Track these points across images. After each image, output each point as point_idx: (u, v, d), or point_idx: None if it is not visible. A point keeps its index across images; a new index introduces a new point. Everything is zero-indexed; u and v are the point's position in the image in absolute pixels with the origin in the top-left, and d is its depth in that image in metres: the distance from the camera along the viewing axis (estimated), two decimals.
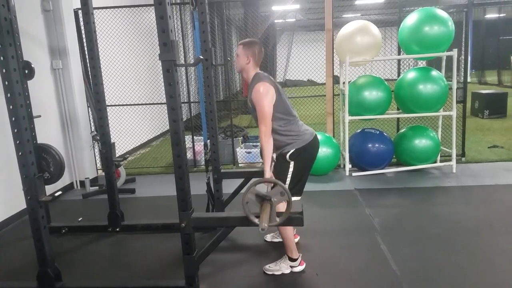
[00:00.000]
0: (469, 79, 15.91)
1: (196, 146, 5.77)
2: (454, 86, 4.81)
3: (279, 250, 3.04)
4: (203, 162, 5.47)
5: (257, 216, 2.22)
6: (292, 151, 2.67)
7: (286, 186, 2.65)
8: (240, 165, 5.82)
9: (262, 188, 2.26)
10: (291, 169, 2.68)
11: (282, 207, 2.60)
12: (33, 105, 3.05)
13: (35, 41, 4.63)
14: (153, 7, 2.06)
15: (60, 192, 4.73)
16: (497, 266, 2.78)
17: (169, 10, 2.06)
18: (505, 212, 3.71)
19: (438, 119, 5.22)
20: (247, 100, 2.82)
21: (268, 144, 2.61)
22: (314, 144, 2.77)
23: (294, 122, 2.75)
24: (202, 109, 3.60)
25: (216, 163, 3.51)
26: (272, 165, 2.80)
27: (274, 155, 2.84)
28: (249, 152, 5.73)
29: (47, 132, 4.67)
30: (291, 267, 2.81)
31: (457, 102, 5.00)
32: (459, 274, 2.69)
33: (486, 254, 2.94)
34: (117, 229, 3.66)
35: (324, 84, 5.47)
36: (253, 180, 2.29)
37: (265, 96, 2.60)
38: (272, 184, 2.31)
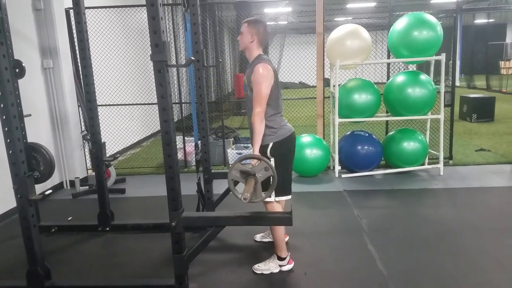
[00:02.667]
0: (458, 84, 16.11)
1: (187, 146, 5.78)
2: (442, 90, 4.89)
3: (268, 250, 3.07)
4: (194, 163, 5.48)
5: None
6: (271, 144, 2.69)
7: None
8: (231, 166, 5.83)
9: (248, 165, 2.29)
10: (272, 164, 2.69)
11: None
12: (24, 104, 3.04)
13: (26, 40, 4.61)
14: (145, 7, 2.08)
15: (50, 191, 4.71)
16: (481, 267, 2.84)
17: (161, 11, 2.09)
18: (490, 214, 3.78)
19: (426, 122, 5.30)
20: (244, 79, 2.81)
21: (261, 125, 2.60)
22: (291, 139, 2.79)
23: (279, 115, 2.77)
24: (193, 110, 3.62)
25: (207, 164, 3.53)
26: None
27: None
28: (240, 153, 5.75)
29: (38, 131, 4.65)
30: (280, 266, 2.85)
31: (445, 105, 5.09)
32: (445, 274, 2.75)
33: (471, 255, 3.00)
34: (107, 229, 3.66)
35: (315, 86, 5.52)
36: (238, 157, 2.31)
37: (264, 78, 2.60)
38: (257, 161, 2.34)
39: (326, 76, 5.54)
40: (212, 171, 3.61)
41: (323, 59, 5.38)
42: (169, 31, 7.08)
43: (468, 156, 5.84)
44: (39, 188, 4.13)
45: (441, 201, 4.22)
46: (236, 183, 2.32)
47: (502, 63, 19.64)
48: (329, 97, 5.56)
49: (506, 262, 2.87)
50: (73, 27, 4.21)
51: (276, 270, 2.84)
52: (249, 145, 5.77)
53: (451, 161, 5.52)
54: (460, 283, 2.63)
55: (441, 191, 4.51)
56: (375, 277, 2.74)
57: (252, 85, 2.65)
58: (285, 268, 2.85)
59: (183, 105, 6.07)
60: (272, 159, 2.70)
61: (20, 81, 2.84)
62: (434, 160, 5.35)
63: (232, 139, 6.24)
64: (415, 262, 2.93)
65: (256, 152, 2.62)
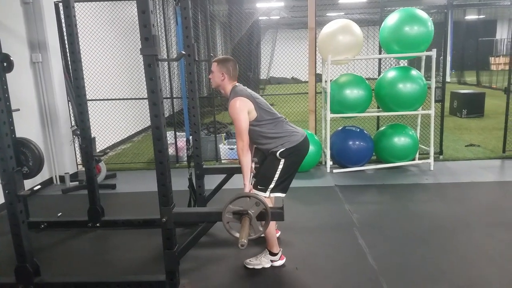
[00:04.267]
0: (449, 79, 16.24)
1: (178, 142, 5.76)
2: (433, 86, 4.92)
3: (260, 245, 3.07)
4: (185, 158, 5.46)
5: None
6: (282, 150, 2.70)
7: (273, 183, 2.69)
8: (223, 161, 5.83)
9: (239, 203, 2.28)
10: (280, 166, 2.70)
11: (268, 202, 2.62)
12: (12, 98, 3.00)
13: (14, 34, 4.54)
14: (135, 1, 2.05)
15: (39, 187, 4.66)
16: (472, 261, 2.87)
17: (151, 4, 2.06)
18: (479, 208, 3.82)
19: (417, 117, 5.33)
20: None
21: (246, 158, 2.65)
22: (304, 145, 2.79)
23: (281, 124, 2.77)
24: (184, 105, 3.60)
25: (199, 159, 3.52)
26: (251, 177, 2.82)
27: (253, 165, 2.90)
28: (232, 149, 5.74)
29: (26, 126, 4.59)
30: (272, 261, 2.86)
31: (436, 101, 5.12)
32: (435, 269, 2.77)
33: (462, 250, 3.03)
34: (97, 225, 3.64)
35: (307, 82, 5.52)
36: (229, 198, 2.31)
37: (241, 112, 2.63)
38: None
39: (318, 72, 5.54)
40: (204, 166, 3.59)
41: (315, 54, 5.38)
42: (160, 25, 7.03)
43: (458, 151, 5.89)
44: (28, 183, 4.09)
45: (432, 196, 4.25)
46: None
47: (492, 59, 19.84)
48: (321, 92, 5.57)
49: (496, 256, 2.90)
50: (63, 20, 4.15)
51: (268, 265, 2.85)
52: None
53: (441, 156, 5.56)
54: (451, 277, 2.66)
55: (432, 186, 4.54)
56: (366, 272, 2.76)
57: (233, 121, 2.70)
58: (276, 264, 2.86)
59: (174, 100, 6.03)
60: (282, 160, 2.70)
61: (8, 75, 2.79)
62: (424, 155, 5.39)
63: (224, 134, 6.23)
64: (405, 257, 2.95)
65: (247, 186, 2.66)
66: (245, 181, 2.67)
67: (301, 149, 2.77)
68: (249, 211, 2.26)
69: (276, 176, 2.70)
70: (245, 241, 2.12)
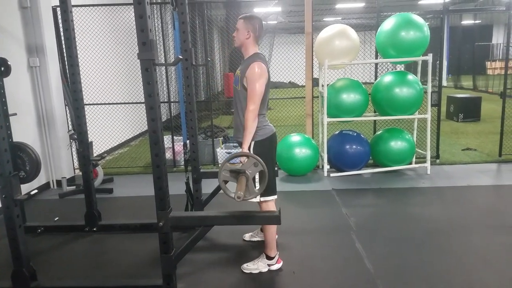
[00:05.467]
0: (445, 84, 16.30)
1: (176, 146, 5.76)
2: (429, 90, 4.95)
3: (257, 249, 3.07)
4: (182, 162, 5.46)
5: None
6: (253, 143, 2.67)
7: (257, 186, 2.67)
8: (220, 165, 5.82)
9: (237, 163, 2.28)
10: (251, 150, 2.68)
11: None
12: (9, 102, 3.00)
13: (12, 38, 4.54)
14: (132, 5, 2.06)
15: (36, 191, 4.65)
16: (469, 264, 2.88)
17: (149, 9, 2.08)
18: (476, 212, 3.84)
19: (413, 121, 5.36)
20: (236, 73, 2.78)
21: (254, 123, 2.60)
22: (273, 139, 2.79)
23: (262, 116, 2.76)
24: (181, 109, 3.60)
25: (196, 163, 3.52)
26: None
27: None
28: (229, 152, 5.75)
29: (23, 130, 4.59)
30: (269, 265, 2.85)
31: (432, 105, 5.15)
32: (432, 272, 2.78)
33: (458, 253, 3.04)
34: (94, 229, 3.63)
35: (304, 86, 5.54)
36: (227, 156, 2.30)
37: (260, 77, 2.59)
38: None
39: (315, 76, 5.56)
40: (201, 170, 3.60)
41: (312, 59, 5.40)
42: (158, 29, 7.04)
43: (455, 155, 5.91)
44: (25, 188, 4.09)
45: (428, 200, 4.27)
46: (227, 182, 2.30)
47: (488, 64, 19.96)
48: (317, 96, 5.58)
49: (493, 260, 2.91)
50: (60, 25, 4.15)
51: (265, 269, 2.85)
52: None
53: (438, 160, 5.58)
54: (447, 281, 2.67)
55: (428, 190, 4.56)
56: (362, 275, 2.76)
57: (246, 81, 2.64)
58: (273, 268, 2.86)
59: (172, 104, 6.03)
60: (252, 143, 2.68)
61: (5, 80, 2.81)
62: (421, 159, 5.41)
63: (222, 138, 6.24)
64: (402, 260, 2.96)
65: (245, 149, 2.62)
66: (244, 143, 2.61)
67: (270, 143, 2.76)
68: (246, 171, 2.25)
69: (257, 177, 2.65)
70: (241, 193, 2.10)
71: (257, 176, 2.58)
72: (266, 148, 2.75)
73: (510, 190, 4.48)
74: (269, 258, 2.85)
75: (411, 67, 6.74)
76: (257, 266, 2.85)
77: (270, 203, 2.82)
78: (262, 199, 2.77)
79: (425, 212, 3.87)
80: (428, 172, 5.07)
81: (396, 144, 5.03)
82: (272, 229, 2.81)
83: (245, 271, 2.85)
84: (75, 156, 5.32)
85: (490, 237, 3.28)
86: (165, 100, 6.18)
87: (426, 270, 2.81)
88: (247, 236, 3.37)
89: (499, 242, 3.17)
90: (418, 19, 4.74)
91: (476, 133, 7.52)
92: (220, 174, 2.27)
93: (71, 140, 5.09)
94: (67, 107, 5.15)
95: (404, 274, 2.78)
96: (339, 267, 2.90)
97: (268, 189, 2.73)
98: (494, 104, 9.90)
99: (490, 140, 6.72)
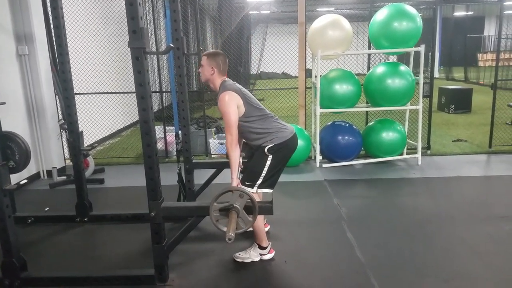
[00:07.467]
0: (437, 75, 16.38)
1: (168, 136, 5.73)
2: (421, 81, 4.96)
3: (249, 239, 3.08)
4: (174, 153, 5.44)
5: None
6: (270, 145, 2.69)
7: (261, 179, 2.68)
8: (213, 156, 5.82)
9: (224, 199, 2.30)
10: (268, 162, 2.69)
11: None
12: None
13: (0, 26, 4.46)
14: None
15: (26, 181, 4.61)
16: (457, 254, 2.91)
17: None
18: (465, 202, 3.88)
19: (405, 113, 5.38)
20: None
21: (235, 153, 2.64)
22: (292, 141, 2.79)
23: (270, 120, 2.77)
24: (173, 99, 3.58)
25: (188, 154, 3.51)
26: (239, 172, 2.83)
27: (241, 160, 2.91)
28: (222, 143, 5.73)
29: (13, 120, 4.52)
30: (261, 255, 2.87)
31: (424, 96, 5.17)
32: (421, 262, 2.81)
33: (448, 243, 3.07)
34: (85, 219, 3.61)
35: (298, 77, 5.52)
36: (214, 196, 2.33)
37: (230, 106, 2.62)
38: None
39: (308, 67, 5.55)
40: (194, 161, 3.59)
41: (305, 49, 5.38)
42: (149, 18, 6.96)
43: (446, 146, 5.96)
44: (15, 178, 4.04)
45: (419, 190, 4.31)
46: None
47: (480, 56, 20.08)
48: (311, 87, 5.58)
49: (481, 250, 2.95)
50: (49, 12, 4.08)
51: (257, 259, 2.86)
52: None
53: (429, 151, 5.62)
54: (436, 270, 2.70)
55: (419, 181, 4.59)
56: (353, 265, 2.79)
57: (221, 113, 2.68)
58: (265, 257, 2.87)
59: (163, 94, 5.99)
60: (270, 156, 2.69)
61: None
62: (412, 150, 5.44)
63: (214, 129, 6.22)
64: (392, 250, 2.99)
65: (234, 179, 2.65)
66: (232, 175, 2.66)
67: (290, 145, 2.77)
68: (234, 205, 2.26)
69: (264, 172, 2.69)
70: (232, 235, 2.13)
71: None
72: (285, 151, 2.75)
73: (499, 181, 4.53)
74: (262, 248, 2.86)
75: (403, 58, 6.76)
76: (249, 255, 2.86)
77: (256, 194, 2.82)
78: (259, 190, 2.77)
79: (415, 203, 3.90)
80: (419, 163, 5.11)
81: (388, 135, 5.05)
82: (258, 220, 2.81)
83: (237, 259, 2.86)
84: (65, 146, 5.27)
85: (478, 227, 3.32)
86: (157, 90, 6.13)
87: (415, 260, 2.84)
88: None
89: (486, 232, 3.21)
90: (411, 10, 4.74)
91: (467, 124, 7.59)
92: (211, 215, 2.30)
93: (62, 130, 5.03)
94: (57, 96, 5.08)
95: (394, 263, 2.81)
96: (330, 257, 2.93)
97: (270, 183, 2.73)
98: (485, 96, 9.97)
99: (480, 132, 6.78)
